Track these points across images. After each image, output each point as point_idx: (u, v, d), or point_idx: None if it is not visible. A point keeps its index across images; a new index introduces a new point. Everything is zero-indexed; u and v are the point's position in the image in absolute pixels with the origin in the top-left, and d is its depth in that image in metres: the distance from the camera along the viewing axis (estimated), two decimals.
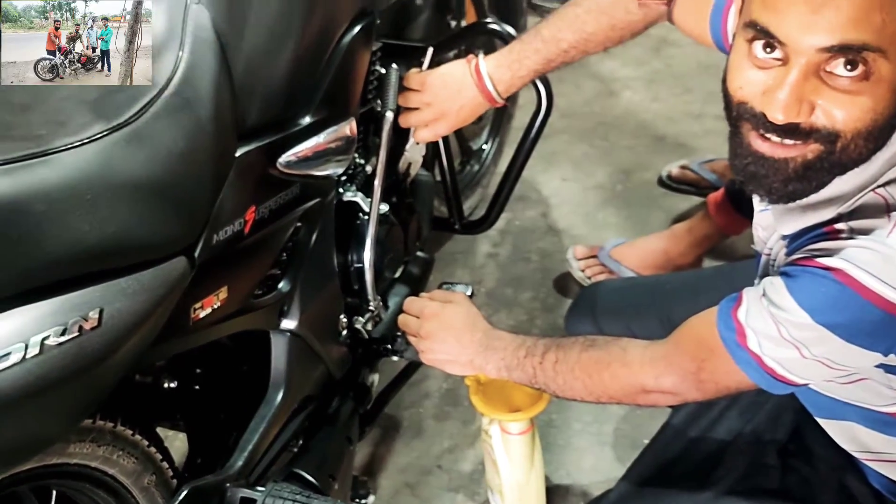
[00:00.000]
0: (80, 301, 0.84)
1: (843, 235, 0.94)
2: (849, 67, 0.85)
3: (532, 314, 2.16)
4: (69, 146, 0.86)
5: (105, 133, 0.89)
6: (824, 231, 0.97)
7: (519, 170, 1.79)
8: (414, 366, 1.73)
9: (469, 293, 1.53)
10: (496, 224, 2.12)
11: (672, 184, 2.53)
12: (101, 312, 0.86)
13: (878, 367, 1.00)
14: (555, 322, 2.13)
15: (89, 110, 0.92)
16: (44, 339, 0.81)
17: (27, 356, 0.79)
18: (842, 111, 0.88)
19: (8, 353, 0.78)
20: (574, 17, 1.37)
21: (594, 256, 2.18)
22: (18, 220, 0.80)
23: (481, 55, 1.46)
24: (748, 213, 1.17)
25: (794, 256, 0.98)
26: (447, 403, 1.94)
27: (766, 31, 0.88)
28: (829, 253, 0.93)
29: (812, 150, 0.91)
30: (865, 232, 0.92)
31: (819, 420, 1.18)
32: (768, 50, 0.89)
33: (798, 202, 0.97)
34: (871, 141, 0.90)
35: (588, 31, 1.36)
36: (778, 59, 0.89)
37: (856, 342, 0.93)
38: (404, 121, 1.47)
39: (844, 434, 1.16)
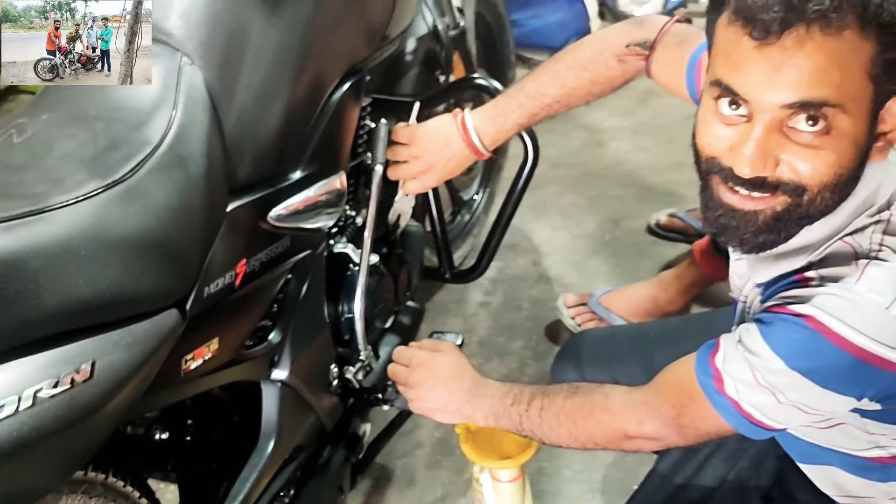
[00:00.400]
0: (72, 354, 0.86)
1: (814, 283, 0.97)
2: (810, 123, 0.89)
3: (524, 362, 2.18)
4: (65, 203, 0.89)
5: (100, 190, 0.92)
6: (796, 279, 1.00)
7: (507, 219, 1.82)
8: (405, 415, 1.75)
9: (459, 342, 1.55)
10: (487, 273, 2.15)
11: (660, 232, 2.57)
12: (93, 365, 0.87)
13: (853, 411, 1.02)
14: (546, 370, 2.13)
15: (85, 168, 0.95)
16: (36, 391, 0.82)
17: (20, 408, 0.81)
18: (806, 165, 0.91)
19: (1, 406, 0.80)
20: (556, 72, 1.41)
21: (584, 304, 2.20)
22: (16, 276, 0.82)
23: (467, 109, 1.50)
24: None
25: (768, 303, 1.01)
26: (439, 452, 1.94)
27: (731, 90, 0.91)
28: (801, 300, 0.96)
29: (780, 202, 0.94)
30: (835, 279, 0.95)
31: (801, 465, 1.20)
32: (734, 107, 0.93)
33: (770, 251, 1.00)
34: (837, 192, 0.93)
35: (570, 86, 1.40)
36: (743, 116, 0.92)
37: (829, 387, 0.95)
38: (393, 173, 1.50)
39: (826, 479, 1.17)
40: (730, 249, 1.12)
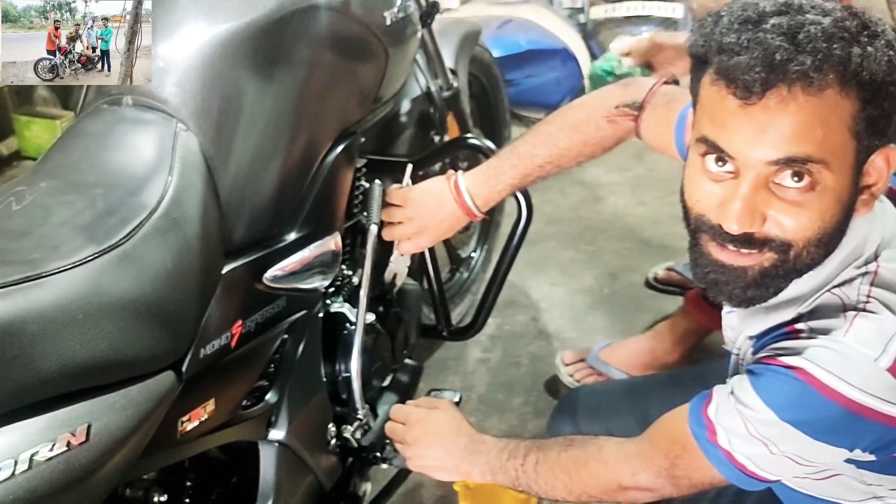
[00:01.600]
0: (68, 417, 0.87)
1: (804, 335, 0.98)
2: (796, 179, 0.91)
3: (524, 418, 2.18)
4: (62, 269, 0.91)
5: (96, 255, 0.94)
6: (786, 331, 1.01)
7: (503, 276, 1.83)
8: (404, 473, 1.74)
9: (456, 400, 1.55)
10: (486, 330, 2.16)
11: (658, 286, 2.58)
12: (88, 428, 0.89)
13: (847, 462, 1.02)
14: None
15: (82, 234, 0.97)
16: (33, 454, 0.84)
17: (16, 472, 0.82)
18: (791, 220, 0.92)
19: None
20: (548, 133, 1.44)
21: (582, 360, 2.21)
22: (12, 341, 0.84)
23: (460, 171, 1.52)
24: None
25: (759, 355, 1.02)
26: None
27: (717, 147, 0.93)
28: (791, 352, 0.97)
29: (767, 258, 0.95)
30: (824, 331, 0.96)
31: None
32: (720, 164, 0.94)
33: (759, 305, 1.01)
34: (822, 247, 0.95)
35: (561, 147, 1.42)
36: (730, 172, 0.94)
37: (821, 439, 0.96)
38: (388, 234, 1.52)
39: None
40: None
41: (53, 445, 0.85)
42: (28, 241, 0.95)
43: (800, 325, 0.99)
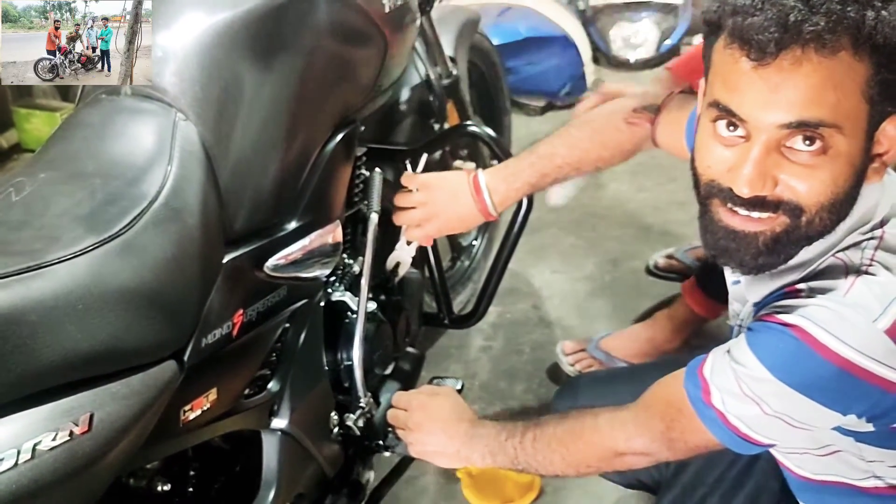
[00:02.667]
0: (71, 406, 0.88)
1: (803, 294, 0.98)
2: (807, 143, 0.91)
3: (526, 406, 2.18)
4: (62, 259, 0.91)
5: (96, 245, 0.94)
6: (786, 291, 1.01)
7: (504, 264, 1.84)
8: (407, 461, 1.74)
9: (458, 387, 1.56)
10: (488, 318, 2.16)
11: (659, 272, 2.58)
12: (91, 417, 0.89)
13: (847, 435, 1.03)
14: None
15: (82, 224, 0.97)
16: (36, 444, 0.84)
17: (19, 461, 0.82)
18: (803, 184, 0.93)
19: (1, 459, 0.81)
20: (568, 135, 1.46)
21: (583, 350, 2.21)
22: (13, 331, 0.84)
23: (480, 169, 1.53)
24: (719, 296, 1.22)
25: (759, 314, 1.03)
26: (443, 498, 1.93)
27: (729, 110, 0.94)
28: (790, 310, 0.97)
29: (780, 223, 0.96)
30: (824, 291, 0.96)
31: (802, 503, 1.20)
32: (731, 128, 0.95)
33: (766, 271, 1.02)
34: (834, 213, 0.95)
35: (581, 148, 1.43)
36: (741, 137, 0.95)
37: (814, 398, 0.96)
38: (398, 218, 1.52)
39: None
40: (727, 274, 1.14)
41: (56, 435, 0.85)
42: (28, 231, 0.95)
43: (800, 285, 1.00)
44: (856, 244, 0.99)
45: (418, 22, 1.66)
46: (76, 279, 0.91)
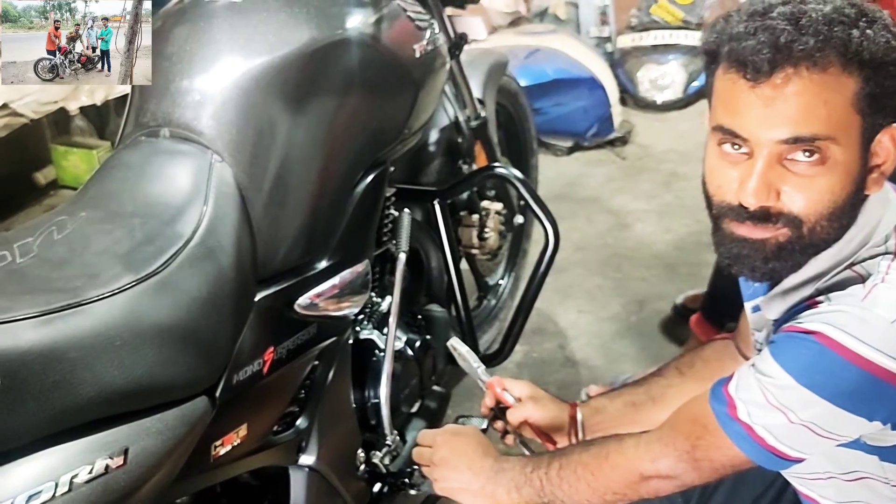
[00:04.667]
0: (107, 441, 0.90)
1: (822, 304, 1.01)
2: (807, 154, 0.97)
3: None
4: (101, 297, 0.94)
5: (134, 284, 0.97)
6: (806, 304, 1.03)
7: (530, 303, 1.85)
8: (432, 500, 1.75)
9: (484, 427, 1.56)
10: (514, 357, 2.16)
11: (685, 313, 2.58)
12: (126, 451, 0.91)
13: (872, 453, 1.04)
14: None
15: (120, 263, 1.00)
16: (73, 477, 0.86)
17: (57, 494, 0.85)
18: (803, 195, 0.98)
19: (39, 492, 0.84)
20: None
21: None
22: (54, 367, 0.87)
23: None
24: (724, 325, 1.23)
25: (780, 327, 1.04)
26: None
27: (731, 132, 1.00)
28: (810, 318, 0.99)
29: (782, 234, 1.00)
30: (842, 298, 0.99)
31: None
32: (735, 147, 1.01)
33: (780, 287, 1.06)
34: (835, 221, 1.00)
35: None
36: (745, 154, 1.00)
37: (839, 404, 0.97)
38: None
39: None
40: (746, 307, 1.16)
41: (93, 468, 0.88)
42: (69, 269, 0.98)
43: (819, 298, 1.02)
44: (871, 257, 1.02)
45: (448, 66, 1.70)
46: (114, 317, 0.94)
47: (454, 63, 1.86)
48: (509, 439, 1.48)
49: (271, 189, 1.21)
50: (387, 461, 1.53)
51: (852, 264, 1.02)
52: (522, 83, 2.62)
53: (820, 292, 1.03)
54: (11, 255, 1.00)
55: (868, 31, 0.94)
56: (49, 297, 0.91)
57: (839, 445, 1.03)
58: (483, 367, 1.54)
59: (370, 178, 1.42)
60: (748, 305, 1.19)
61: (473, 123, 2.02)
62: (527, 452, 1.47)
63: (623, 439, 1.19)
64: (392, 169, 1.51)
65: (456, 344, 1.55)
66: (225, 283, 1.08)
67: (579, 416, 1.44)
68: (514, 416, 1.44)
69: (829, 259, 1.03)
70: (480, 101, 2.08)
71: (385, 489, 1.58)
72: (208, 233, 1.09)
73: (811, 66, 0.94)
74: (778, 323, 1.09)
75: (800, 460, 1.04)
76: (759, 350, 1.17)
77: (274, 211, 1.22)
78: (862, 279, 1.00)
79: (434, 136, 1.91)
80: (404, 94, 1.47)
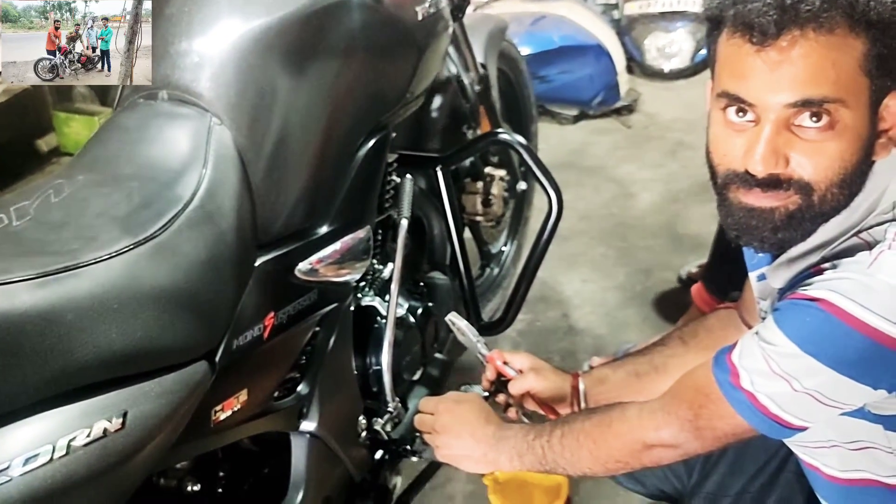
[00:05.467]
0: (105, 404, 0.89)
1: (828, 271, 0.99)
2: (814, 119, 0.95)
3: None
4: (98, 259, 0.93)
5: (131, 247, 0.96)
6: (811, 272, 1.02)
7: (533, 271, 1.84)
8: (434, 466, 1.75)
9: (486, 395, 1.56)
10: (517, 325, 2.15)
11: (691, 283, 2.56)
12: (125, 415, 0.90)
13: (876, 422, 1.03)
14: None
15: (118, 226, 0.99)
16: (70, 440, 0.86)
17: (54, 457, 0.84)
18: (813, 161, 0.96)
19: (36, 455, 0.83)
20: None
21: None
22: (50, 330, 0.86)
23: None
24: (725, 294, 1.22)
25: (785, 295, 1.03)
26: None
27: (737, 97, 0.98)
28: (815, 286, 0.98)
29: (792, 201, 0.98)
30: (848, 265, 0.97)
31: None
32: (741, 114, 0.99)
33: (786, 255, 1.05)
34: (845, 188, 0.98)
35: None
36: (751, 121, 0.98)
37: (842, 371, 0.95)
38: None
39: None
40: (751, 276, 1.14)
41: (90, 432, 0.87)
42: (66, 232, 0.97)
43: (824, 265, 1.01)
44: (878, 224, 1.00)
45: (451, 29, 1.67)
46: (112, 280, 0.93)
47: (457, 26, 1.84)
48: (512, 412, 1.48)
49: (271, 152, 1.20)
50: (388, 428, 1.53)
51: (859, 231, 1.00)
52: (528, 50, 2.60)
53: (826, 260, 1.01)
54: (8, 217, 0.98)
55: None
56: (46, 259, 0.90)
57: (843, 414, 1.01)
58: (482, 340, 1.53)
59: (372, 142, 1.40)
60: (753, 274, 1.17)
61: (477, 87, 1.99)
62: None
63: (626, 408, 1.18)
64: (394, 134, 1.50)
65: (454, 318, 1.54)
66: (224, 247, 1.07)
67: (581, 387, 1.43)
68: (515, 388, 1.44)
69: (836, 226, 1.01)
70: (483, 66, 2.05)
71: (386, 456, 1.58)
72: (207, 196, 1.07)
73: (818, 27, 0.92)
74: (783, 291, 1.07)
75: (803, 429, 1.03)
76: (764, 319, 1.16)
77: (274, 175, 1.20)
78: (869, 246, 0.98)
79: (437, 101, 1.88)
80: (406, 57, 1.45)
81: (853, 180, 0.98)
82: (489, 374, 1.48)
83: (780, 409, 1.01)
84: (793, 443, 1.19)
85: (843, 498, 1.16)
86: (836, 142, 0.95)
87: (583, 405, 1.42)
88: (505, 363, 1.47)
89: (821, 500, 1.21)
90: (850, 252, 0.99)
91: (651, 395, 1.19)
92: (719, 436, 1.09)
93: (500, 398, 1.48)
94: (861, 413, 1.04)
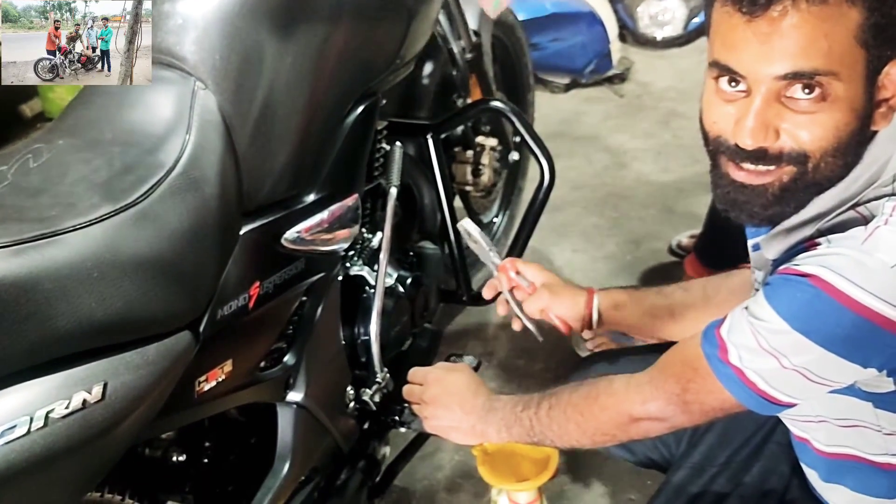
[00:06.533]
0: (84, 375, 0.87)
1: (822, 246, 0.97)
2: (806, 91, 0.93)
3: (544, 385, 2.14)
4: (77, 227, 0.90)
5: (112, 213, 0.94)
6: (805, 245, 1.00)
7: (524, 241, 1.82)
8: (423, 437, 1.74)
9: (474, 365, 1.55)
10: None
11: (682, 253, 2.56)
12: (105, 386, 0.88)
13: (866, 399, 1.02)
14: None
15: (98, 192, 0.96)
16: (49, 412, 0.84)
17: (32, 429, 0.82)
18: (805, 132, 0.94)
19: (13, 426, 0.81)
20: None
21: (602, 335, 2.19)
22: (28, 298, 0.84)
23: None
24: (719, 267, 1.21)
25: (777, 269, 1.01)
26: (459, 476, 1.94)
27: (728, 68, 0.96)
28: (807, 261, 0.96)
29: (786, 172, 0.97)
30: (842, 241, 0.95)
31: (820, 483, 1.19)
32: (733, 84, 0.97)
33: (781, 226, 1.03)
34: (840, 157, 0.96)
35: None
36: (742, 92, 0.96)
37: (832, 349, 0.94)
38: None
39: (839, 497, 1.16)
40: (749, 244, 1.13)
41: (69, 403, 0.85)
42: (44, 198, 0.95)
43: (819, 239, 0.99)
44: (876, 198, 0.97)
45: None
46: (91, 247, 0.90)
47: None
48: (516, 323, 1.48)
49: (257, 118, 1.17)
50: (377, 398, 1.51)
51: (856, 205, 0.98)
52: (520, 16, 2.55)
53: (821, 233, 0.99)
54: None
55: None
56: (23, 226, 0.88)
57: (833, 391, 1.00)
58: (496, 249, 1.53)
59: (360, 109, 1.37)
60: (750, 243, 1.16)
61: (468, 55, 1.96)
62: (539, 337, 1.49)
63: (613, 381, 1.17)
64: (384, 101, 1.47)
65: (466, 224, 1.54)
66: (208, 214, 1.05)
67: (595, 303, 1.43)
68: (531, 307, 1.45)
69: (832, 198, 0.99)
70: (476, 33, 2.02)
71: (375, 426, 1.57)
72: (191, 163, 1.05)
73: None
74: (776, 263, 1.06)
75: (791, 405, 1.02)
76: (758, 291, 1.14)
77: (260, 141, 1.18)
78: (865, 220, 0.96)
79: (427, 68, 1.86)
80: (396, 22, 1.42)
81: (849, 150, 0.96)
82: (501, 285, 1.48)
83: (768, 386, 0.99)
84: (783, 416, 1.18)
85: (828, 470, 1.16)
86: (828, 113, 0.93)
87: (594, 325, 1.44)
88: (518, 274, 1.47)
89: (806, 470, 1.20)
90: (845, 226, 0.97)
91: (663, 337, 1.20)
92: (707, 410, 1.08)
93: (502, 309, 1.49)
94: (851, 390, 1.03)
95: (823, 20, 0.89)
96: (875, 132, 0.98)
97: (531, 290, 1.46)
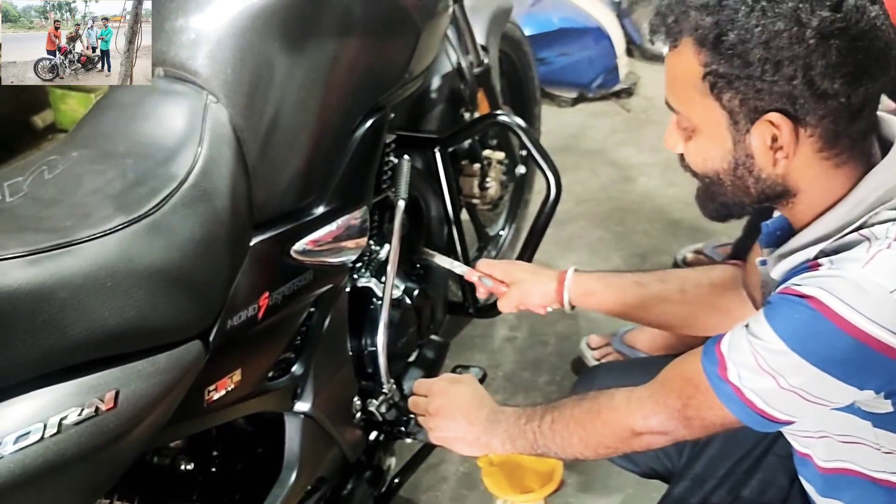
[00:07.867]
0: (97, 383, 0.89)
1: (824, 268, 0.98)
2: (681, 123, 1.07)
3: (549, 397, 2.17)
4: (92, 237, 0.92)
5: (126, 224, 0.95)
6: (808, 266, 1.01)
7: (531, 254, 1.84)
8: (429, 448, 1.75)
9: (480, 377, 1.56)
10: None
11: (686, 267, 2.56)
12: (117, 394, 0.90)
13: (865, 419, 1.03)
14: None
15: (112, 203, 0.98)
16: (62, 419, 0.85)
17: (45, 435, 0.84)
18: (687, 154, 1.09)
19: (27, 433, 0.83)
20: None
21: (608, 344, 2.20)
22: (42, 307, 0.85)
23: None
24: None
25: (778, 288, 1.03)
26: (464, 487, 1.94)
27: None
28: (808, 282, 0.97)
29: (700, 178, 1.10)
30: (844, 263, 0.96)
31: (818, 497, 1.19)
32: None
33: (786, 247, 1.05)
34: (740, 186, 1.04)
35: None
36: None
37: (829, 371, 0.95)
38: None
39: None
40: (758, 258, 1.15)
41: (82, 410, 0.87)
42: (59, 209, 0.96)
43: (821, 260, 1.00)
44: (881, 222, 0.98)
45: (451, 9, 1.66)
46: (105, 257, 0.92)
47: (457, 7, 1.83)
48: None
49: (268, 131, 1.19)
50: (383, 409, 1.52)
51: (861, 227, 0.99)
52: (527, 32, 2.57)
53: (825, 254, 1.00)
54: (1, 194, 0.98)
55: (721, 13, 0.96)
56: (38, 236, 0.89)
57: (834, 409, 1.01)
58: (457, 262, 1.67)
59: (369, 122, 1.39)
60: (758, 259, 1.17)
61: (476, 70, 1.98)
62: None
63: (614, 395, 1.18)
64: (392, 115, 1.48)
65: (425, 252, 1.65)
66: (219, 226, 1.06)
67: (566, 293, 1.51)
68: (505, 307, 1.57)
69: (836, 220, 1.00)
70: (483, 48, 2.04)
71: (381, 437, 1.58)
72: (203, 175, 1.06)
73: (673, 42, 1.02)
74: (779, 283, 1.07)
75: (789, 423, 1.03)
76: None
77: (270, 154, 1.19)
78: (868, 243, 0.97)
79: (436, 82, 1.87)
80: (405, 37, 1.44)
81: (746, 182, 1.03)
82: (479, 292, 1.62)
83: (766, 405, 1.00)
84: (786, 432, 1.19)
85: (826, 485, 1.16)
86: (694, 145, 1.05)
87: (567, 309, 1.52)
88: (482, 277, 1.58)
89: (804, 484, 1.21)
90: (848, 248, 0.98)
91: (631, 323, 1.16)
92: (707, 425, 1.09)
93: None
94: (851, 409, 1.04)
95: (676, 65, 1.02)
96: (851, 163, 1.00)
97: (505, 287, 1.56)
